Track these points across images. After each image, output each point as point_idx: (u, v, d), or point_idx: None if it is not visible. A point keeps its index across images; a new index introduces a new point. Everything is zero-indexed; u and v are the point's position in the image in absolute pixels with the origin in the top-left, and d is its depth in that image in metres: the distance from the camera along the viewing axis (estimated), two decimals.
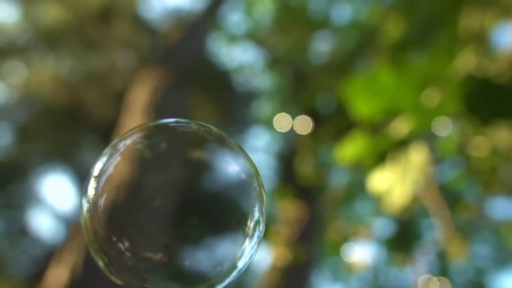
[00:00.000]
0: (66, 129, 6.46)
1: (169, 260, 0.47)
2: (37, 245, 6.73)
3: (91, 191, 0.47)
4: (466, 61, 0.95)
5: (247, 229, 0.48)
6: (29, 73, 6.48)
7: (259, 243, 0.50)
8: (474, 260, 5.55)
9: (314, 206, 3.19)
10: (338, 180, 2.92)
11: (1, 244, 6.68)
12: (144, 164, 0.48)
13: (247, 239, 0.48)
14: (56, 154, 6.77)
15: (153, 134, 0.49)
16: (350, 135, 1.10)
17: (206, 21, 4.35)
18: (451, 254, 1.58)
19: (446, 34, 1.02)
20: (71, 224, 5.81)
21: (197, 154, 0.49)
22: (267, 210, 0.50)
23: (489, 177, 1.60)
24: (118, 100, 4.63)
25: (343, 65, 3.43)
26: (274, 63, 5.24)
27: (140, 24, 6.47)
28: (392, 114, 1.01)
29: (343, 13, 4.84)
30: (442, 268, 5.11)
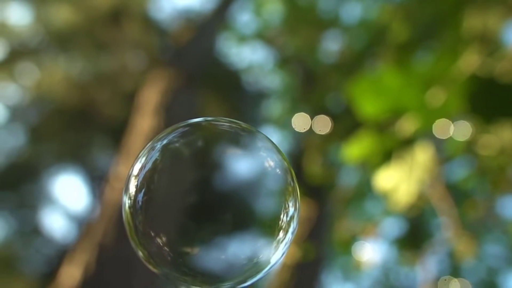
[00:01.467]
0: (78, 130, 6.51)
1: (206, 254, 0.48)
2: (49, 244, 6.78)
3: (132, 188, 0.49)
4: (470, 61, 0.95)
5: (281, 223, 0.49)
6: (41, 75, 6.54)
7: (292, 238, 0.50)
8: (487, 259, 5.50)
9: (324, 204, 3.20)
10: (348, 179, 2.92)
11: (15, 243, 6.75)
12: (181, 161, 0.50)
13: (281, 234, 0.49)
14: (67, 155, 6.83)
15: (187, 133, 0.51)
16: (357, 134, 1.11)
17: (216, 21, 4.37)
18: (459, 252, 1.58)
19: (449, 34, 1.03)
20: (83, 223, 5.86)
21: (232, 150, 0.51)
22: (300, 206, 0.52)
23: (497, 176, 1.60)
24: (129, 100, 4.67)
25: (353, 64, 3.42)
26: (283, 62, 5.24)
27: (150, 25, 6.50)
28: (397, 113, 1.03)
29: (352, 12, 4.84)
30: (453, 268, 5.08)
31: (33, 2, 6.47)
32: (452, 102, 0.97)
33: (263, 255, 0.49)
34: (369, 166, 1.13)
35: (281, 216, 0.49)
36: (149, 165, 0.49)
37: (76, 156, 6.83)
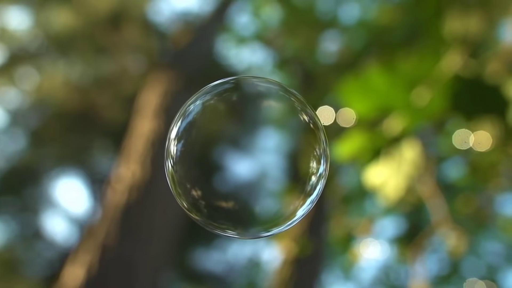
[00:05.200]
0: (78, 133, 6.54)
1: (240, 207, 0.52)
2: (51, 247, 6.80)
3: (172, 149, 0.53)
4: (453, 62, 1.00)
5: (311, 178, 0.52)
6: (41, 79, 6.56)
7: (317, 197, 0.53)
8: (486, 257, 5.53)
9: (321, 202, 3.23)
10: (345, 177, 2.95)
11: (16, 246, 6.77)
12: (215, 117, 0.53)
13: (309, 189, 0.52)
14: (68, 158, 6.85)
15: (219, 92, 0.54)
16: (348, 132, 1.15)
17: (215, 23, 4.40)
18: (451, 248, 1.62)
19: (432, 36, 1.07)
20: (85, 226, 5.89)
21: (266, 102, 0.55)
22: (329, 166, 0.54)
23: (489, 172, 1.63)
24: (129, 103, 4.70)
25: (351, 64, 3.45)
26: (283, 63, 5.26)
27: (149, 28, 6.52)
28: (385, 112, 1.07)
29: (351, 13, 4.86)
30: (453, 265, 5.10)
31: (33, 6, 6.50)
32: (436, 101, 1.01)
33: (290, 207, 0.52)
34: (360, 163, 1.17)
35: (311, 172, 0.52)
36: (183, 125, 0.53)
37: (77, 159, 6.86)
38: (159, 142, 3.01)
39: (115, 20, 6.22)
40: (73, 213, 7.09)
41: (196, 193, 0.51)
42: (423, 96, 1.01)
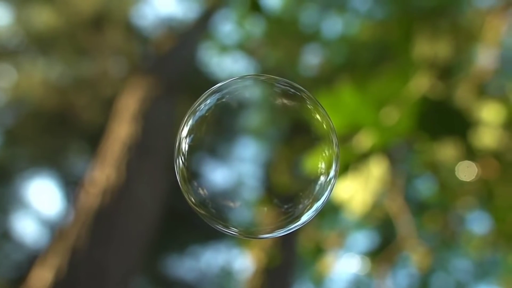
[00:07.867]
0: (54, 134, 6.46)
1: (244, 208, 0.53)
2: (20, 249, 6.68)
3: (183, 146, 0.53)
4: (421, 84, 1.04)
5: (320, 183, 0.53)
6: (19, 77, 6.48)
7: (324, 203, 0.53)
8: (455, 273, 5.62)
9: None
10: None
11: None
12: (230, 113, 0.54)
13: (316, 196, 0.53)
14: (43, 159, 6.76)
15: (228, 91, 0.55)
16: (318, 147, 1.17)
17: (198, 30, 4.42)
18: (415, 263, 1.65)
19: (401, 58, 1.11)
20: (56, 228, 5.80)
21: (280, 101, 0.55)
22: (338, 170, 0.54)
23: (457, 190, 1.69)
24: (107, 106, 4.67)
25: (332, 78, 3.50)
26: (264, 74, 5.29)
27: (132, 31, 6.51)
28: (354, 129, 1.10)
29: (333, 27, 4.93)
30: (423, 281, 5.18)
31: (14, 3, 6.44)
32: (404, 120, 1.05)
33: (295, 211, 0.53)
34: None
35: (319, 174, 0.53)
36: (195, 126, 0.54)
37: (52, 160, 6.77)
38: (135, 147, 3.00)
39: (98, 22, 6.20)
40: (45, 215, 6.99)
41: (203, 191, 0.52)
42: (391, 115, 1.05)
